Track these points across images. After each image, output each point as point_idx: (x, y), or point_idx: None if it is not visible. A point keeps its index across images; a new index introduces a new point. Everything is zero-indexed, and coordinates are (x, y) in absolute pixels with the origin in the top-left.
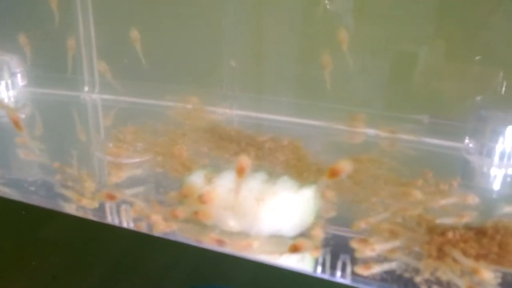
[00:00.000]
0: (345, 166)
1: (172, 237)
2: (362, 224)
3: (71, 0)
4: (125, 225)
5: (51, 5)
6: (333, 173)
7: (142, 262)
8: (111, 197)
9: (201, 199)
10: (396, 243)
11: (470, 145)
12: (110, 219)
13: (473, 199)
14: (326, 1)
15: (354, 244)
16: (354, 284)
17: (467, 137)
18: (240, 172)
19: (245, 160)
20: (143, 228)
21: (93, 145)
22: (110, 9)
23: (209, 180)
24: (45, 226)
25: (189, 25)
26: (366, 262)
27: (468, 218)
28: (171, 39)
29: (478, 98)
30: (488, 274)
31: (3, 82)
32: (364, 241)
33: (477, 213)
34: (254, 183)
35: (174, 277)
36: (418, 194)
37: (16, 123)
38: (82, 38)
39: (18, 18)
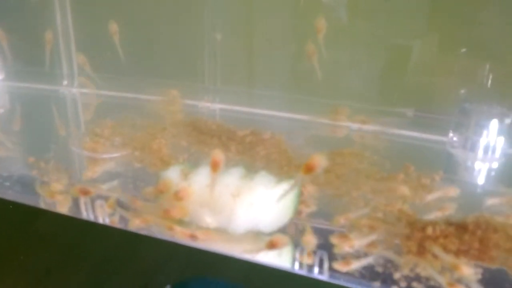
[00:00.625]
0: (319, 161)
1: (146, 233)
2: (341, 220)
3: None
4: (100, 220)
5: None
6: (308, 169)
7: (135, 256)
8: (85, 192)
9: (177, 195)
10: (375, 238)
11: (454, 138)
12: (85, 214)
13: (454, 192)
14: None
15: (333, 240)
16: (332, 280)
17: (451, 131)
18: (214, 166)
19: (219, 155)
20: (117, 223)
21: (70, 139)
22: (89, 0)
23: (185, 176)
24: (38, 220)
25: (170, 17)
26: (345, 258)
27: (450, 211)
28: (151, 31)
29: (462, 91)
30: (468, 270)
31: None
32: (344, 236)
33: (459, 207)
34: (231, 179)
35: (167, 271)
36: (405, 190)
37: None
38: (60, 31)
39: None
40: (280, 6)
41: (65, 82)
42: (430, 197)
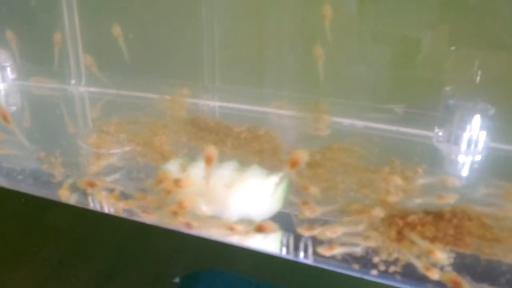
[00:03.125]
0: (301, 155)
1: (148, 221)
2: (307, 214)
3: None
4: (106, 210)
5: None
6: (293, 164)
7: (147, 248)
8: (91, 185)
9: (177, 183)
10: (358, 227)
11: (440, 133)
12: (92, 205)
13: (452, 182)
14: None
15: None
16: (316, 264)
17: (436, 126)
18: (208, 161)
19: (212, 150)
20: (121, 213)
21: (78, 136)
22: (95, 4)
23: (184, 168)
24: (50, 212)
25: (172, 20)
26: (329, 243)
27: (449, 200)
28: (155, 34)
29: (447, 88)
30: (441, 255)
31: None
32: (310, 228)
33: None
34: (225, 171)
35: (178, 263)
36: (397, 180)
37: (4, 118)
38: (68, 32)
39: (4, 14)
40: (276, 8)
41: (73, 81)
42: (422, 181)
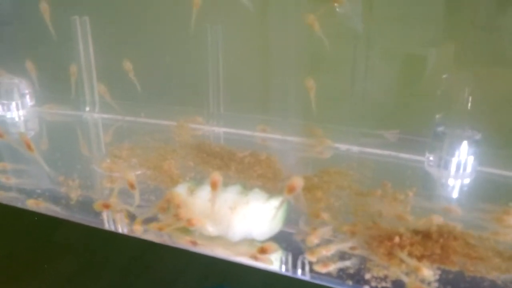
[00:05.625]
0: (297, 182)
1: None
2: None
3: (73, 31)
4: (120, 230)
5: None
6: (290, 190)
7: (154, 266)
8: (107, 206)
9: (190, 222)
10: (351, 245)
11: (430, 158)
12: (107, 225)
13: (456, 211)
14: (335, 4)
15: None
16: (313, 280)
17: (427, 151)
18: (213, 186)
19: (217, 176)
20: (138, 233)
21: (92, 160)
22: (108, 37)
23: (191, 191)
24: (59, 230)
25: (180, 51)
26: (324, 261)
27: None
28: (163, 64)
29: (437, 116)
30: (428, 272)
31: (13, 103)
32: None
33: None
34: (229, 195)
35: (185, 280)
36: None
37: (28, 146)
38: (83, 64)
39: (26, 45)
40: (280, 37)
41: (87, 108)
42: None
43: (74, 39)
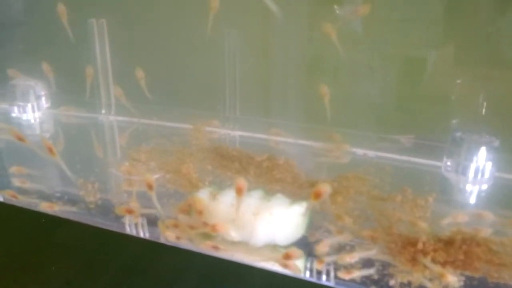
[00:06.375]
0: (324, 188)
1: (175, 245)
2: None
3: (89, 34)
4: (141, 235)
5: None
6: (317, 195)
7: (153, 268)
8: (130, 212)
9: (214, 228)
10: (373, 252)
11: (448, 163)
12: (128, 230)
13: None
14: (335, 6)
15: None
16: (337, 287)
17: (445, 157)
18: (239, 191)
19: (243, 182)
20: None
21: (110, 163)
22: (124, 39)
23: (213, 197)
24: (58, 232)
25: (195, 54)
26: (347, 268)
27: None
28: (180, 67)
29: (454, 121)
30: (452, 278)
31: (29, 105)
32: (349, 272)
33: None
34: (252, 200)
35: (184, 283)
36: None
37: (50, 150)
38: (99, 66)
39: (41, 46)
40: (296, 41)
41: (103, 111)
42: (461, 218)
43: (91, 41)
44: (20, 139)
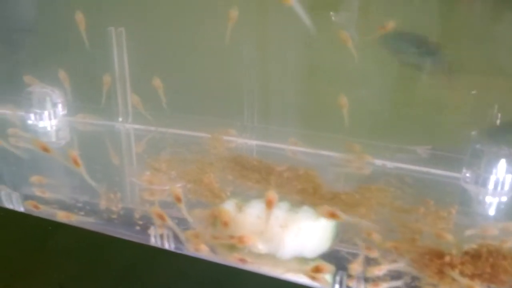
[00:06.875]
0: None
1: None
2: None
3: (108, 42)
4: (166, 246)
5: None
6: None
7: (150, 273)
8: (162, 217)
9: (241, 240)
10: (401, 264)
11: (467, 175)
12: (154, 241)
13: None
14: (331, 13)
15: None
16: None
17: (464, 168)
18: (269, 204)
19: (273, 194)
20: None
21: (129, 172)
22: (143, 47)
23: (239, 208)
24: (53, 236)
25: (213, 62)
26: (375, 280)
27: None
28: (197, 75)
29: (473, 132)
30: None
31: (46, 112)
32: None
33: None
34: (280, 212)
35: (184, 286)
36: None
37: (75, 161)
38: (117, 74)
39: (58, 54)
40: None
41: (120, 119)
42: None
43: (109, 49)
44: (45, 149)
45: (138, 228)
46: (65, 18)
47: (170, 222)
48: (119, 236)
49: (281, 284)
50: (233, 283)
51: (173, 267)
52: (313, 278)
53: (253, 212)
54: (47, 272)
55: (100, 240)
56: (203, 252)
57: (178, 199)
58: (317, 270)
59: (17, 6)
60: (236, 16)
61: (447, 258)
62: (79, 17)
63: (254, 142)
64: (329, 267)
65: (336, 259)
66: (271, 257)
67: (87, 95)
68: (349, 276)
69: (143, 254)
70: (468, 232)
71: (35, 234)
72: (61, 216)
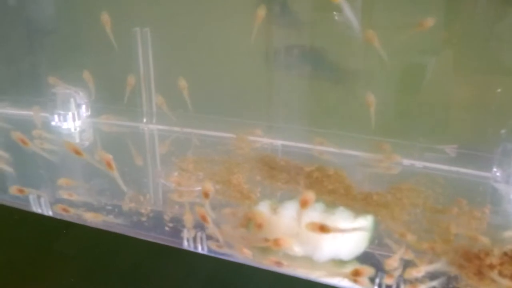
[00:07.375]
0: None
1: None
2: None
3: (133, 43)
4: (199, 250)
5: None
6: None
7: (157, 273)
8: (204, 219)
9: (277, 243)
10: (439, 265)
11: (498, 174)
12: (186, 244)
13: None
14: (334, 13)
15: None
16: None
17: (494, 167)
18: (304, 204)
19: (310, 195)
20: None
21: (156, 173)
22: (167, 48)
23: (274, 210)
24: (60, 238)
25: (236, 63)
26: (413, 282)
27: None
28: (222, 75)
29: (503, 131)
30: None
31: (70, 113)
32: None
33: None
34: (316, 213)
35: (191, 286)
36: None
37: (109, 165)
38: (142, 75)
39: (83, 55)
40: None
41: (144, 120)
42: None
43: (134, 50)
44: (78, 152)
45: (168, 230)
46: (90, 19)
47: (211, 224)
48: (150, 239)
49: (288, 279)
50: (242, 279)
51: (180, 265)
52: (355, 281)
53: (288, 213)
54: (54, 275)
55: (106, 241)
56: (249, 256)
57: (206, 195)
58: (357, 273)
59: (41, 7)
60: (263, 15)
61: (488, 259)
62: (105, 18)
63: (279, 142)
64: (370, 271)
65: (373, 260)
66: (307, 260)
67: (112, 96)
68: (390, 278)
69: (150, 253)
70: (508, 234)
71: (41, 237)
72: (88, 217)
